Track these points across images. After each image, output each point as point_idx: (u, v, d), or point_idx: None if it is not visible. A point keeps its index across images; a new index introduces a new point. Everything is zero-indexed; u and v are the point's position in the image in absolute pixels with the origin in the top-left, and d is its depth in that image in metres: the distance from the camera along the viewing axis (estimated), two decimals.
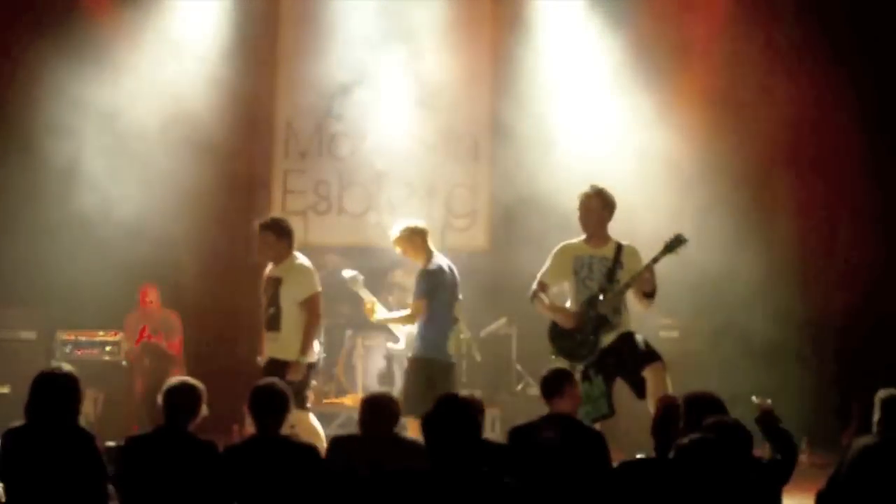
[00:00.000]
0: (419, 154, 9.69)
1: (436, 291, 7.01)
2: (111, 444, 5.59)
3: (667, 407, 4.94)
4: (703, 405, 4.76)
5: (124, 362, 8.93)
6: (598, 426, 6.42)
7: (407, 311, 7.18)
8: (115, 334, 8.98)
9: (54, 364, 5.13)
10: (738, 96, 9.25)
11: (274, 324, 6.88)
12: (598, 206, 6.62)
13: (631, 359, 6.47)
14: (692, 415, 4.73)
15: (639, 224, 7.25)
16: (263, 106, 10.20)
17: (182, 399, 4.94)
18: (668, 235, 6.47)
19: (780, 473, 4.78)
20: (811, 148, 9.45)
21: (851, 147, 9.34)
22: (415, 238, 7.13)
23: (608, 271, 6.55)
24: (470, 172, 10.22)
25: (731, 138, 9.04)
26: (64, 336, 8.93)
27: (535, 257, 9.36)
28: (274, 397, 4.94)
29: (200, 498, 4.77)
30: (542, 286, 6.72)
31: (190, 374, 6.94)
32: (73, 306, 9.01)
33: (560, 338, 6.62)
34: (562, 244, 6.74)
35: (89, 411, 8.09)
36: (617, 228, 6.78)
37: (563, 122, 9.55)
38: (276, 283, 6.90)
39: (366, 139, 9.75)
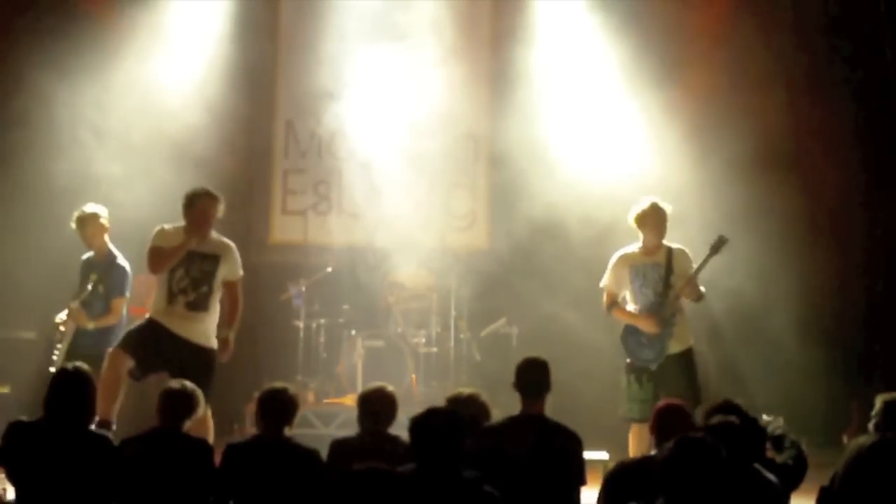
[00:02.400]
0: (418, 154, 9.69)
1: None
2: None
3: (663, 410, 4.85)
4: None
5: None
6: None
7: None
8: None
9: (69, 365, 5.03)
10: (740, 100, 9.25)
11: (203, 304, 6.47)
12: (664, 217, 6.75)
13: (680, 387, 6.45)
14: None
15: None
16: (263, 106, 10.22)
17: (177, 400, 4.98)
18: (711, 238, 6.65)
19: (791, 478, 4.78)
20: (812, 150, 9.46)
21: (854, 150, 9.37)
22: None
23: (661, 278, 6.68)
24: (469, 172, 10.24)
25: (732, 142, 9.03)
26: None
27: (534, 257, 9.43)
28: (286, 402, 4.97)
29: (195, 496, 4.79)
30: (612, 296, 6.79)
31: None
32: None
33: (630, 339, 6.71)
34: (619, 254, 6.85)
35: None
36: (621, 235, 6.94)
37: (562, 123, 9.56)
38: (213, 260, 6.52)
39: (365, 139, 9.75)
